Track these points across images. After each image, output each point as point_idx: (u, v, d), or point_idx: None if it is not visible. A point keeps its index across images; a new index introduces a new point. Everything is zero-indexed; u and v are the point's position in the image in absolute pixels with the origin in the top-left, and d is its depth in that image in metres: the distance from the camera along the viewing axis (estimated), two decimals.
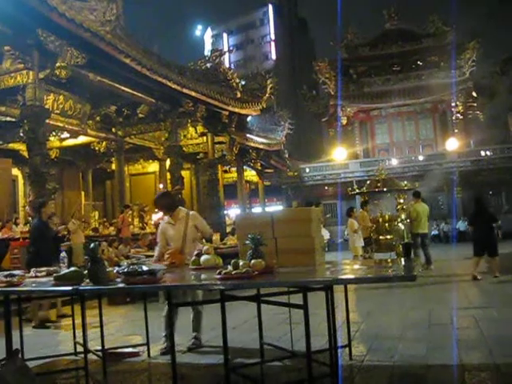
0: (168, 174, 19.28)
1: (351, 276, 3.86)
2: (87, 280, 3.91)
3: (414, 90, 38.89)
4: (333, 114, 40.05)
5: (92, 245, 3.89)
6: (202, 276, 4.12)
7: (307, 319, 3.55)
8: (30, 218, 13.50)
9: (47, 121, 13.62)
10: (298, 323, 5.32)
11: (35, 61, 12.76)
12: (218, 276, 3.61)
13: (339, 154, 36.85)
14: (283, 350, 5.33)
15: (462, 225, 30.36)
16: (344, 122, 39.06)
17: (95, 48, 13.26)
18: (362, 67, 41.64)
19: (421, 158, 36.53)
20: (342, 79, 38.78)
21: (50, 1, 11.46)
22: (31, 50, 12.60)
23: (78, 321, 6.23)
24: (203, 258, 4.82)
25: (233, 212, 30.57)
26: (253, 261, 3.81)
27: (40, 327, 8.46)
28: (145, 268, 3.63)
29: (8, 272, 5.56)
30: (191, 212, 6.48)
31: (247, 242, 3.99)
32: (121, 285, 3.69)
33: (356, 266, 4.55)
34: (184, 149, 21.07)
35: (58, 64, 12.70)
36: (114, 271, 3.94)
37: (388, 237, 14.20)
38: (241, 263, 3.78)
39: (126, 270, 3.68)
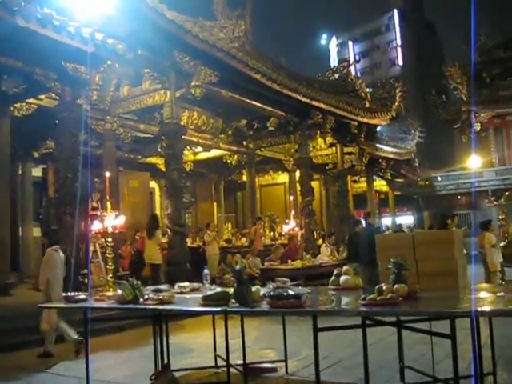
0: (298, 184, 19.45)
1: (503, 308, 3.66)
2: (233, 300, 4.06)
3: None
4: (465, 120, 38.50)
5: (238, 267, 4.05)
6: (346, 300, 4.15)
7: (455, 351, 3.46)
8: (167, 230, 14.12)
9: (183, 136, 14.24)
10: (435, 343, 5.19)
11: (172, 81, 13.40)
12: (363, 302, 3.62)
13: (473, 162, 35.35)
14: (424, 374, 5.20)
15: None
16: (477, 128, 37.44)
17: (227, 66, 13.70)
18: (497, 70, 39.68)
19: None
20: (475, 83, 37.19)
21: (185, 25, 12.03)
22: (168, 70, 13.25)
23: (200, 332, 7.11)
24: (343, 278, 4.85)
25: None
26: (396, 285, 3.79)
27: None
28: (290, 292, 3.73)
29: (155, 287, 5.89)
30: None
31: (390, 266, 3.98)
32: (266, 307, 3.81)
33: (501, 294, 4.33)
34: (313, 160, 21.18)
35: (192, 83, 13.27)
36: (261, 294, 4.07)
37: None
38: (384, 287, 3.77)
39: (271, 293, 3.79)
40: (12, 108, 13.04)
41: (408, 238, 4.74)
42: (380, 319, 4.38)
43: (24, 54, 9.99)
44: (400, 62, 76.75)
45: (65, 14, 9.44)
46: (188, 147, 18.87)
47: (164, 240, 15.70)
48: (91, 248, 12.96)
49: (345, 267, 5.09)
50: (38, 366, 7.25)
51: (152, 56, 12.71)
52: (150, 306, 4.48)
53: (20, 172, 17.07)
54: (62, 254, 8.35)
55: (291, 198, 20.70)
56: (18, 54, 10.05)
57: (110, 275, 11.98)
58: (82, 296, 5.33)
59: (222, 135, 19.08)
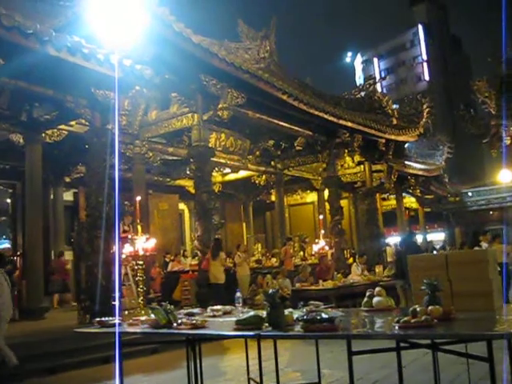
0: (326, 203, 19.42)
1: None
2: (266, 324, 4.05)
3: None
4: (495, 134, 37.97)
5: (271, 291, 4.05)
6: (379, 322, 4.11)
7: (493, 374, 3.39)
8: (197, 252, 14.18)
9: (211, 158, 14.34)
10: (471, 364, 5.09)
11: (199, 104, 13.55)
12: (397, 324, 3.59)
13: (504, 177, 34.79)
14: None
15: None
16: (508, 142, 36.88)
17: (254, 87, 13.78)
18: None
19: None
20: (504, 97, 36.73)
21: (211, 48, 12.18)
22: (195, 94, 13.41)
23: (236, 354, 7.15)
24: (375, 299, 4.81)
25: (393, 240, 29.92)
26: (430, 307, 3.74)
27: None
28: (324, 315, 3.71)
29: (188, 310, 5.91)
30: None
31: (423, 287, 3.94)
32: (300, 331, 3.79)
33: None
34: (341, 178, 21.15)
35: (220, 105, 13.40)
36: (294, 317, 4.06)
37: None
38: (418, 309, 3.74)
39: (305, 316, 3.78)
40: (43, 135, 13.31)
41: (441, 258, 4.68)
42: (414, 341, 4.34)
43: (55, 81, 10.22)
44: (426, 77, 76.35)
45: (93, 42, 9.65)
46: (216, 169, 18.99)
47: (194, 261, 15.79)
48: (122, 271, 13.06)
49: (377, 288, 5.05)
50: None
51: (179, 80, 12.89)
52: (184, 331, 4.49)
53: (52, 196, 17.35)
54: (6, 277, 8.31)
55: (320, 217, 20.64)
56: (48, 82, 10.29)
57: (141, 298, 12.06)
58: (115, 320, 5.37)
59: (250, 156, 19.16)
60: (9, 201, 20.40)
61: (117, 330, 4.94)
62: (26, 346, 8.91)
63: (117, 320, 5.16)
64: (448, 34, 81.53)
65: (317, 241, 19.15)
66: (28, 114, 12.22)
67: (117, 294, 10.24)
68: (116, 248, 10.91)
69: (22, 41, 8.58)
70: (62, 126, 13.51)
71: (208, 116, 13.62)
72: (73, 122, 13.15)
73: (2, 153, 14.97)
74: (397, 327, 3.59)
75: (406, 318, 3.62)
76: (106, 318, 5.40)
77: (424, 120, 22.71)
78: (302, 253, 20.26)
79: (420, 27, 77.68)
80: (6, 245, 21.03)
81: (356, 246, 24.24)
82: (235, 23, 17.68)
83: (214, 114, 13.57)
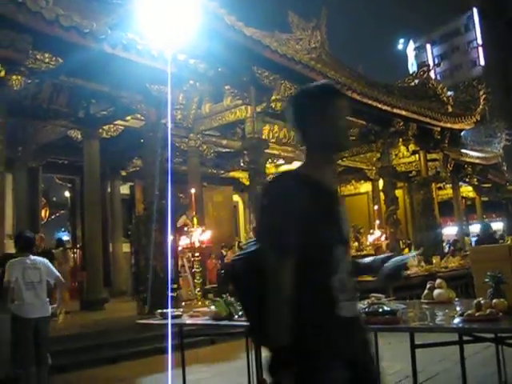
0: (381, 194, 19.20)
1: None
2: None
3: None
4: None
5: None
6: (441, 315, 4.04)
7: None
8: None
9: (265, 150, 14.36)
10: None
11: (252, 96, 13.57)
12: (461, 318, 3.53)
13: None
14: None
15: None
16: None
17: (306, 78, 13.67)
18: None
19: None
20: None
21: (263, 40, 12.19)
22: (248, 86, 13.43)
23: None
24: (436, 292, 4.74)
25: (450, 230, 29.35)
26: (494, 300, 3.67)
27: None
28: (386, 308, 3.69)
29: None
30: None
31: (487, 280, 3.87)
32: None
33: None
34: (396, 168, 20.87)
35: (273, 97, 13.39)
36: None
37: None
38: (482, 302, 3.67)
39: (366, 309, 3.77)
40: (101, 130, 13.60)
41: (504, 249, 4.58)
42: (478, 335, 4.27)
43: (110, 78, 10.43)
44: (482, 62, 74.36)
45: (146, 39, 9.80)
46: (270, 160, 18.99)
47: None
48: (179, 263, 13.25)
49: (438, 280, 4.97)
50: (133, 378, 7.51)
51: (232, 73, 12.94)
52: (245, 323, 4.53)
53: (109, 190, 17.72)
54: None
55: (375, 207, 20.43)
56: (104, 79, 10.51)
57: (198, 289, 12.22)
58: (178, 312, 5.48)
59: (303, 147, 19.07)
60: (68, 195, 21.00)
61: (169, 321, 5.05)
62: (88, 336, 9.17)
63: (169, 311, 5.29)
64: (504, 17, 79.09)
65: (371, 231, 18.99)
66: (85, 110, 12.52)
67: (169, 286, 10.36)
68: (169, 240, 11.04)
69: (80, 40, 8.80)
70: (118, 122, 13.76)
71: (261, 108, 13.63)
72: (128, 118, 13.38)
73: (61, 149, 15.39)
74: (461, 320, 3.54)
75: (470, 312, 3.56)
76: (168, 310, 5.51)
77: (480, 107, 22.16)
78: (356, 243, 20.11)
79: (475, 11, 75.65)
80: (66, 237, 21.62)
81: (411, 236, 23.89)
82: (285, 14, 17.65)
83: (267, 105, 13.58)
